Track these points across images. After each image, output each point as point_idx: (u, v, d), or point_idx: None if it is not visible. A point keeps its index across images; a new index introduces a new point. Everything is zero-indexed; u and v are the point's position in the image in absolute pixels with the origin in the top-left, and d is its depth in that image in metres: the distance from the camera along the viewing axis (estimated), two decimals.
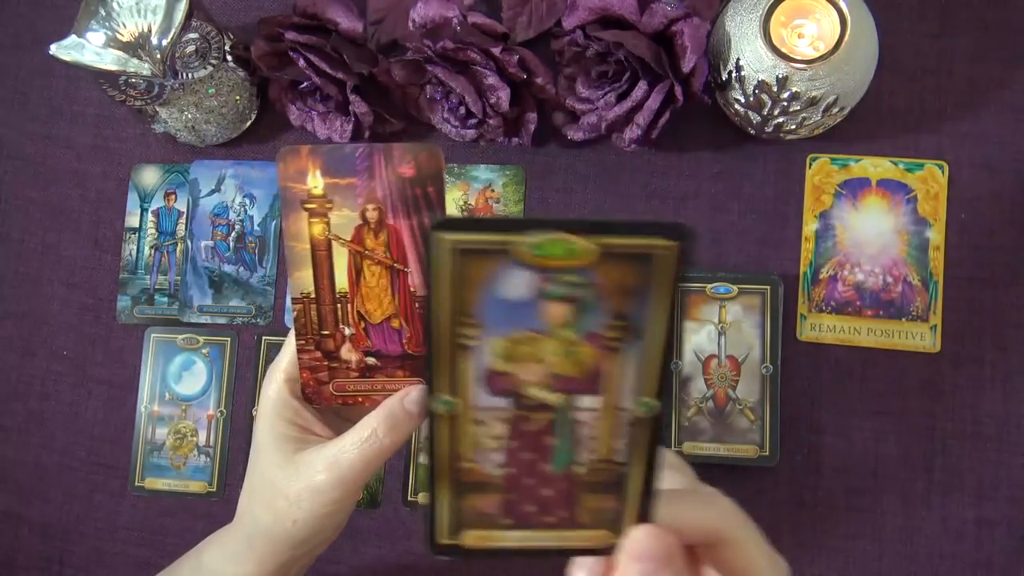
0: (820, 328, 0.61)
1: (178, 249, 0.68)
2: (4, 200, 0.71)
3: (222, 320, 0.67)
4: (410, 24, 0.62)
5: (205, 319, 0.67)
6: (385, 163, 0.40)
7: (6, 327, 0.70)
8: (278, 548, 0.45)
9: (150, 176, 0.69)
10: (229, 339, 0.67)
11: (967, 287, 0.60)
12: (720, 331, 0.61)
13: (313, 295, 0.42)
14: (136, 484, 0.66)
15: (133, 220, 0.69)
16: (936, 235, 0.61)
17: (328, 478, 0.42)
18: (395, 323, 0.43)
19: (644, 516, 0.31)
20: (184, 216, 0.69)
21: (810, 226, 0.62)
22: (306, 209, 0.41)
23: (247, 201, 0.68)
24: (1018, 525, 0.58)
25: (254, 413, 0.65)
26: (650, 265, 0.28)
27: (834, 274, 0.61)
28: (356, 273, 0.42)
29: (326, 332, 0.43)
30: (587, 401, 0.30)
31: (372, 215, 0.41)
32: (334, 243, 0.41)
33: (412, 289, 0.42)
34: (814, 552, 0.60)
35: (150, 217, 0.69)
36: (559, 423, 0.31)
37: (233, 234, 0.68)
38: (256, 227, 0.68)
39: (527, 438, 0.31)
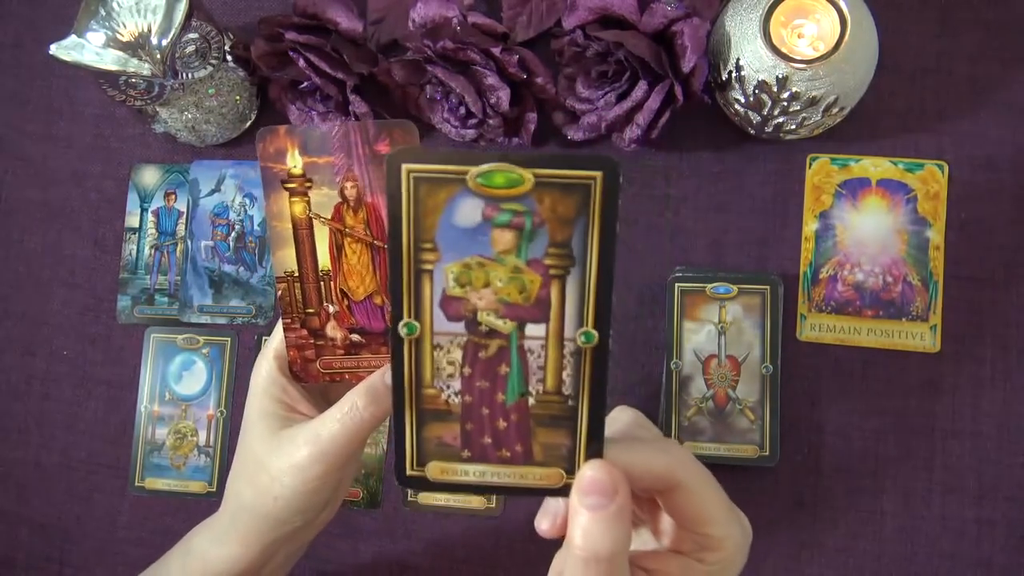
0: (820, 328, 0.61)
1: (178, 249, 0.68)
2: (4, 200, 0.71)
3: (222, 320, 0.67)
4: (410, 24, 0.62)
5: (205, 319, 0.67)
6: (361, 141, 0.41)
7: (6, 327, 0.70)
8: (261, 526, 0.45)
9: (150, 176, 0.69)
10: (229, 339, 0.67)
11: (967, 287, 0.60)
12: (720, 331, 0.61)
13: (296, 274, 0.43)
14: (136, 484, 0.66)
15: (133, 220, 0.69)
16: (936, 235, 0.61)
17: (309, 453, 0.42)
18: (378, 300, 0.43)
19: (594, 454, 0.33)
20: (184, 216, 0.69)
21: (810, 226, 0.62)
22: (286, 188, 0.41)
23: (247, 201, 0.68)
24: (1018, 525, 0.58)
25: None
26: (582, 195, 0.31)
27: (834, 274, 0.61)
28: (337, 251, 0.43)
29: (310, 310, 0.44)
30: (534, 329, 0.33)
31: (351, 192, 0.42)
32: (315, 222, 0.42)
33: None
34: (814, 552, 0.60)
35: (150, 217, 0.69)
36: (510, 351, 0.33)
37: (233, 234, 0.68)
38: (256, 227, 0.68)
39: (481, 366, 0.33)
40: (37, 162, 0.71)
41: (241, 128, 0.67)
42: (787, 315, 0.61)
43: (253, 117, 0.68)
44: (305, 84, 0.64)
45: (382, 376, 0.43)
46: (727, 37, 0.57)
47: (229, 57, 0.64)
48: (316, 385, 0.46)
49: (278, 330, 0.45)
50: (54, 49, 0.58)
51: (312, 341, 0.44)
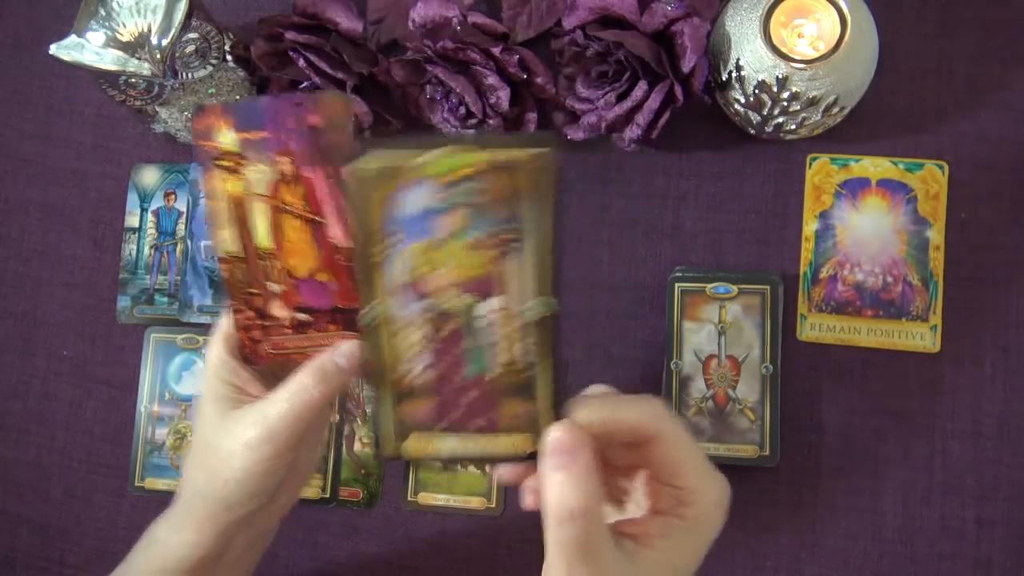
0: (820, 328, 0.61)
1: (178, 249, 0.68)
2: (4, 200, 0.71)
3: None
4: (410, 24, 0.62)
5: (205, 319, 0.67)
6: (293, 115, 0.40)
7: (6, 327, 0.70)
8: (214, 510, 0.44)
9: (150, 176, 0.69)
10: None
11: (967, 287, 0.60)
12: (720, 331, 0.61)
13: (238, 254, 0.42)
14: (136, 484, 0.66)
15: (133, 220, 0.69)
16: (936, 235, 0.61)
17: (258, 434, 0.42)
18: (321, 277, 0.42)
19: (556, 416, 0.34)
20: (184, 216, 0.69)
21: (810, 226, 0.62)
22: (221, 166, 0.40)
23: None
24: (1018, 525, 0.58)
25: None
26: (525, 173, 0.33)
27: (834, 274, 0.61)
28: (277, 229, 0.42)
29: (255, 291, 0.43)
30: (489, 304, 0.34)
31: (286, 168, 0.40)
32: (252, 199, 0.41)
33: (333, 241, 0.41)
34: (814, 552, 0.60)
35: (150, 217, 0.69)
36: (466, 327, 0.34)
37: None
38: None
39: (443, 344, 0.35)
40: (37, 162, 0.71)
41: None
42: (787, 315, 0.61)
43: None
44: (305, 84, 0.64)
45: (331, 355, 0.42)
46: (727, 37, 0.57)
47: (229, 57, 0.64)
48: (268, 367, 0.45)
49: (228, 312, 0.44)
50: (54, 49, 0.58)
51: (259, 322, 0.43)
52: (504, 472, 0.39)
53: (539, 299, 0.34)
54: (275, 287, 0.42)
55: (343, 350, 0.42)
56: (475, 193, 0.33)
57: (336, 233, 0.41)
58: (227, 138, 0.40)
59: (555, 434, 0.34)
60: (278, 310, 0.43)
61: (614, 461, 0.40)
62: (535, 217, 0.33)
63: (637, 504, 0.41)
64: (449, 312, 0.34)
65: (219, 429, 0.43)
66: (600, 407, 0.35)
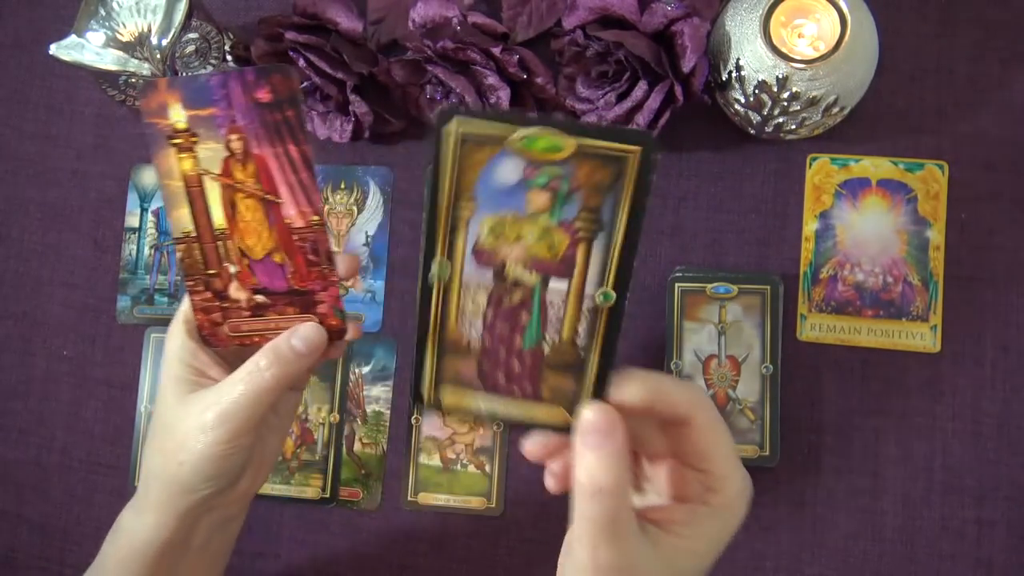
0: (820, 328, 0.61)
1: None
2: (4, 200, 0.71)
3: None
4: (410, 24, 0.62)
5: None
6: (241, 89, 0.39)
7: (6, 327, 0.70)
8: (171, 492, 0.44)
9: (150, 176, 0.69)
10: None
11: (967, 287, 0.60)
12: (720, 331, 0.61)
13: (194, 234, 0.42)
14: (136, 484, 0.66)
15: (133, 220, 0.69)
16: (936, 235, 0.61)
17: (214, 415, 0.42)
18: (277, 258, 0.42)
19: (597, 398, 0.36)
20: None
21: (810, 226, 0.62)
22: (172, 144, 0.40)
23: None
24: (1018, 525, 0.58)
25: None
26: (618, 166, 0.33)
27: (834, 274, 0.61)
28: (231, 208, 0.41)
29: (212, 271, 0.42)
30: (557, 284, 0.35)
31: (236, 145, 0.40)
32: (205, 178, 0.40)
33: (288, 221, 0.41)
34: (814, 552, 0.60)
35: (150, 217, 0.69)
36: (532, 301, 0.35)
37: None
38: None
39: (504, 312, 0.36)
40: (37, 162, 0.71)
41: None
42: (787, 315, 0.61)
43: None
44: (305, 84, 0.64)
45: (288, 337, 0.42)
46: (727, 37, 0.57)
47: (229, 57, 0.64)
48: (228, 350, 0.45)
49: (187, 294, 0.44)
50: (54, 49, 0.58)
51: (217, 303, 0.43)
52: (532, 446, 0.39)
53: (607, 289, 0.35)
54: (232, 268, 0.42)
55: (301, 333, 0.42)
56: (565, 177, 0.33)
57: (290, 212, 0.41)
58: (178, 115, 0.39)
59: (591, 414, 0.35)
60: (236, 291, 0.42)
61: (644, 446, 0.40)
62: (621, 212, 0.34)
63: (658, 492, 0.41)
64: (519, 283, 0.35)
65: (176, 412, 0.43)
66: (648, 381, 0.36)
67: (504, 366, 0.37)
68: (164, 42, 0.58)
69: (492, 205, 0.34)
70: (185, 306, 0.44)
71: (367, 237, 0.66)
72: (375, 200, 0.67)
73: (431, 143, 0.33)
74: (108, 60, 0.58)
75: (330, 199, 0.67)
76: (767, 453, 0.59)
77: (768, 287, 0.61)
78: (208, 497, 0.45)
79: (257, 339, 0.44)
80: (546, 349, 0.36)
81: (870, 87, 0.58)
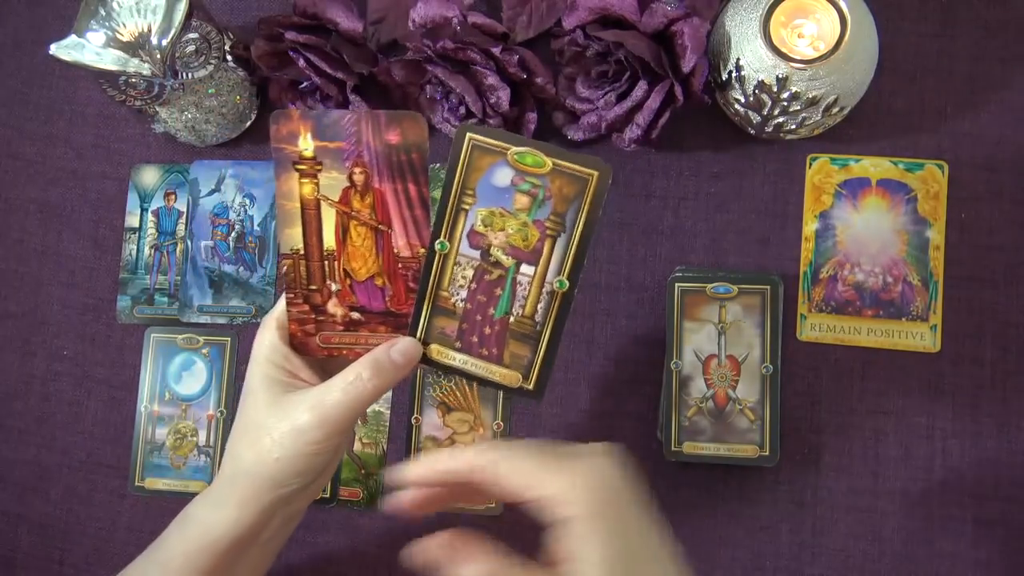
0: (820, 328, 0.61)
1: (178, 249, 0.68)
2: (4, 200, 0.71)
3: (222, 320, 0.67)
4: (410, 24, 0.62)
5: (205, 319, 0.67)
6: (372, 129, 0.43)
7: (6, 327, 0.70)
8: (260, 487, 0.46)
9: (150, 176, 0.69)
10: (229, 339, 0.67)
11: (967, 287, 0.60)
12: (720, 331, 0.61)
13: (302, 251, 0.45)
14: (136, 484, 0.66)
15: (133, 220, 0.69)
16: (936, 235, 0.61)
17: (311, 418, 0.44)
18: (379, 281, 0.45)
19: (544, 368, 0.45)
20: (184, 216, 0.69)
21: (810, 226, 0.62)
22: (297, 169, 0.43)
23: (247, 201, 0.68)
24: (1018, 525, 0.58)
25: None
26: (582, 184, 0.43)
27: (834, 274, 0.61)
28: (343, 232, 0.45)
29: (314, 287, 0.46)
30: (526, 269, 0.44)
31: (359, 178, 0.44)
32: (323, 203, 0.44)
33: (396, 250, 0.45)
34: (814, 552, 0.60)
35: (150, 217, 0.69)
36: (506, 279, 0.44)
37: (233, 234, 0.68)
38: (256, 227, 0.68)
39: (484, 285, 0.44)
40: (37, 162, 0.71)
41: (241, 128, 0.67)
42: (787, 315, 0.61)
43: (253, 117, 0.68)
44: (305, 84, 0.64)
45: (387, 350, 0.45)
46: (727, 37, 0.57)
47: (229, 57, 0.64)
48: (314, 358, 0.47)
49: (281, 301, 0.47)
50: (54, 49, 0.58)
51: (313, 316, 0.46)
52: (396, 501, 0.43)
53: (563, 278, 0.44)
54: (333, 286, 0.45)
55: (400, 347, 0.45)
56: (542, 187, 0.43)
57: (399, 243, 0.45)
58: (306, 144, 0.43)
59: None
60: (333, 307, 0.46)
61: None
62: (580, 218, 0.43)
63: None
64: (498, 264, 0.44)
65: (272, 411, 0.45)
66: (422, 463, 0.41)
67: (478, 330, 0.45)
68: (164, 42, 0.58)
69: (487, 200, 0.43)
70: (277, 312, 0.47)
71: None
72: None
73: (452, 146, 0.42)
74: (108, 60, 0.58)
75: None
76: (767, 453, 0.59)
77: (768, 287, 0.61)
78: (293, 493, 0.47)
79: (346, 352, 0.46)
80: (511, 320, 0.44)
81: (870, 87, 0.58)
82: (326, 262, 0.45)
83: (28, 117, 0.71)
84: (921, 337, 0.60)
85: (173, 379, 0.67)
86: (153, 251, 0.69)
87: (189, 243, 0.68)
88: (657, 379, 0.62)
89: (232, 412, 0.66)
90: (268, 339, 0.47)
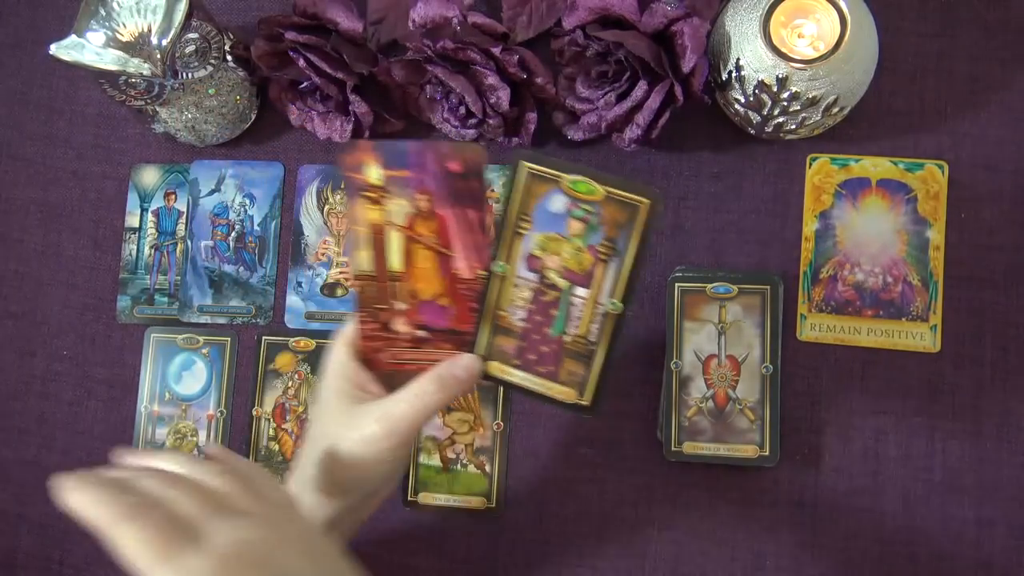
0: (820, 328, 0.61)
1: (178, 249, 0.68)
2: (4, 200, 0.71)
3: (222, 320, 0.67)
4: (410, 24, 0.62)
5: (205, 319, 0.67)
6: (435, 159, 0.45)
7: (6, 327, 0.70)
8: (329, 493, 0.48)
9: (150, 176, 0.69)
10: (229, 339, 0.67)
11: (967, 287, 0.60)
12: (720, 331, 0.61)
13: (371, 273, 0.48)
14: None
15: (133, 220, 0.69)
16: (936, 235, 0.61)
17: (379, 428, 0.46)
18: (442, 301, 0.48)
19: (600, 386, 0.47)
20: (184, 216, 0.69)
21: (810, 226, 0.62)
22: (365, 197, 0.46)
23: (247, 201, 0.68)
24: (1018, 525, 0.58)
25: (255, 413, 0.65)
26: (633, 211, 0.45)
27: (834, 274, 0.61)
28: (409, 256, 0.47)
29: (382, 306, 0.48)
30: (580, 291, 0.46)
31: (423, 205, 0.46)
32: (389, 228, 0.47)
33: (457, 272, 0.47)
34: (814, 552, 0.60)
35: (150, 217, 0.69)
36: (562, 301, 0.46)
37: (233, 234, 0.68)
38: (256, 227, 0.68)
39: (540, 306, 0.46)
40: (37, 162, 0.71)
41: (241, 128, 0.67)
42: (787, 315, 0.61)
43: (253, 117, 0.68)
44: (305, 84, 0.64)
45: (450, 366, 0.47)
46: (727, 37, 0.57)
47: (229, 57, 0.64)
48: (380, 372, 0.50)
49: (352, 321, 0.49)
50: (54, 49, 0.58)
51: (382, 334, 0.48)
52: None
53: (615, 300, 0.46)
54: (400, 305, 0.48)
55: (463, 363, 0.47)
56: (595, 214, 0.45)
57: (461, 266, 0.47)
58: (374, 173, 0.46)
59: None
60: (400, 326, 0.48)
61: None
62: (629, 243, 0.45)
63: None
64: (553, 286, 0.46)
65: (343, 421, 0.47)
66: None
67: (535, 349, 0.47)
68: (164, 42, 0.58)
69: (543, 225, 0.45)
70: (348, 330, 0.49)
71: None
72: None
73: (509, 174, 0.45)
74: (108, 60, 0.58)
75: (330, 199, 0.67)
76: (767, 453, 0.59)
77: (768, 287, 0.61)
78: (359, 502, 0.49)
79: (412, 367, 0.49)
80: (567, 339, 0.46)
81: (870, 87, 0.58)
82: (393, 283, 0.48)
83: (28, 117, 0.71)
84: (921, 337, 0.60)
85: (173, 379, 0.67)
86: (153, 251, 0.69)
87: (189, 243, 0.68)
88: (657, 379, 0.62)
89: (232, 412, 0.66)
90: (340, 354, 0.49)
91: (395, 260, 0.47)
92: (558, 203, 0.45)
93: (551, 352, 0.47)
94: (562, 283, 0.46)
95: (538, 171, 0.45)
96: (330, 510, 0.48)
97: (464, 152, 0.45)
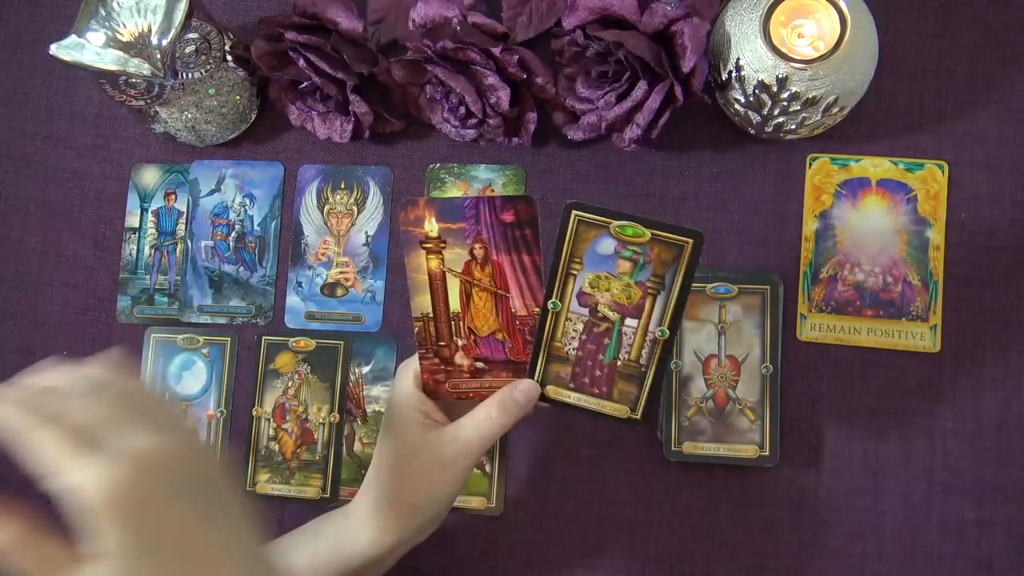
0: (820, 328, 0.61)
1: (178, 249, 0.68)
2: (4, 200, 0.71)
3: (222, 320, 0.67)
4: (410, 24, 0.62)
5: (205, 319, 0.67)
6: (489, 211, 0.49)
7: (6, 327, 0.70)
8: (404, 514, 0.52)
9: (150, 176, 0.69)
10: (229, 339, 0.67)
11: (967, 287, 0.60)
12: (720, 331, 0.61)
13: (431, 315, 0.52)
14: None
15: (133, 220, 0.69)
16: (936, 235, 0.61)
17: (454, 453, 0.50)
18: (499, 336, 0.52)
19: (651, 401, 0.51)
20: (184, 216, 0.69)
21: (810, 226, 0.62)
22: (424, 248, 0.50)
23: (247, 201, 0.68)
24: (1018, 525, 0.58)
25: (255, 413, 0.65)
26: (678, 250, 0.48)
27: (834, 274, 0.61)
28: (466, 298, 0.51)
29: (442, 343, 0.52)
30: (631, 322, 0.50)
31: (479, 252, 0.50)
32: (448, 274, 0.50)
33: (513, 310, 0.51)
34: (814, 552, 0.60)
35: (150, 217, 0.69)
36: (613, 331, 0.50)
37: (233, 234, 0.68)
38: (256, 227, 0.68)
39: (593, 336, 0.50)
40: (37, 162, 0.71)
41: (241, 128, 0.67)
42: (787, 315, 0.61)
43: (253, 117, 0.68)
44: (305, 84, 0.64)
45: (511, 391, 0.51)
46: (727, 37, 0.57)
47: (229, 57, 0.64)
48: (443, 401, 0.53)
49: (417, 357, 0.53)
50: (54, 49, 0.58)
51: (443, 367, 0.53)
52: None
53: (663, 327, 0.49)
54: (460, 341, 0.52)
55: (522, 388, 0.51)
56: (643, 254, 0.48)
57: (516, 304, 0.51)
58: (431, 227, 0.49)
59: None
60: (460, 359, 0.52)
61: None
62: (676, 279, 0.48)
63: None
64: (605, 319, 0.50)
65: (417, 448, 0.51)
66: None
67: (589, 373, 0.51)
68: (164, 42, 0.58)
69: (593, 265, 0.49)
70: (413, 363, 0.53)
71: (367, 237, 0.66)
72: (375, 200, 0.67)
73: (558, 222, 0.49)
74: (108, 60, 0.58)
75: (330, 199, 0.67)
76: (767, 453, 0.59)
77: (768, 287, 0.61)
78: (428, 521, 0.53)
79: (472, 395, 0.53)
80: (619, 363, 0.50)
81: (870, 87, 0.58)
82: (453, 322, 0.52)
83: (28, 117, 0.71)
84: (921, 337, 0.60)
85: (173, 379, 0.67)
86: (153, 251, 0.69)
87: (189, 243, 0.68)
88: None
89: (232, 412, 0.66)
90: (407, 385, 0.53)
91: (453, 302, 0.51)
92: (607, 246, 0.48)
93: (604, 375, 0.51)
94: (613, 316, 0.50)
95: (587, 218, 0.48)
96: (398, 534, 0.52)
97: (517, 204, 0.49)
